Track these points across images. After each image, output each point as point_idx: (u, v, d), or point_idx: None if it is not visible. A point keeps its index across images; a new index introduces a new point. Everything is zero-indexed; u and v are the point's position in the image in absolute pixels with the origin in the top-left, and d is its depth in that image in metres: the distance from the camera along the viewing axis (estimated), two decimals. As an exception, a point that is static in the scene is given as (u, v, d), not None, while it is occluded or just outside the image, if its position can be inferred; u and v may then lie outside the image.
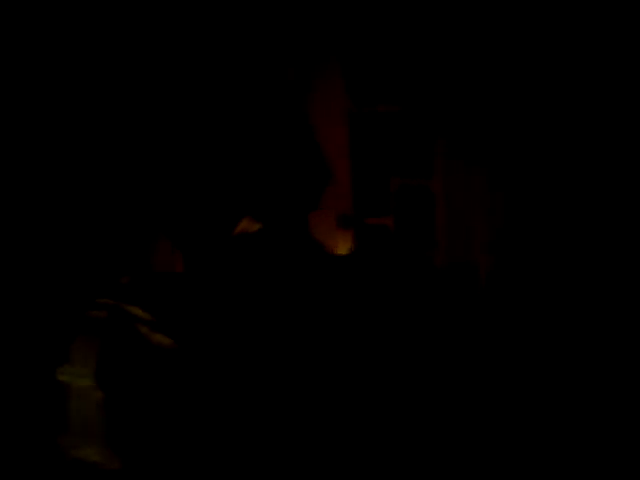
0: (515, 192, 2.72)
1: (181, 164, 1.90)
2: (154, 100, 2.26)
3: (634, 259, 2.56)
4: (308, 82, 2.88)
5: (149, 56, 2.66)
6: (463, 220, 2.87)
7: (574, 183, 2.66)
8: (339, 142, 2.92)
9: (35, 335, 2.23)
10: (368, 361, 1.75)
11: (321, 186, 1.98)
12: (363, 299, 1.79)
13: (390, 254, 2.78)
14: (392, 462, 1.72)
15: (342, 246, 2.89)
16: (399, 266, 2.09)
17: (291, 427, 1.64)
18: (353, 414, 1.69)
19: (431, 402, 1.79)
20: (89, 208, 2.51)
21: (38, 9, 2.62)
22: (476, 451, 1.82)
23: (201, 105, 2.00)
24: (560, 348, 2.50)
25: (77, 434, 1.60)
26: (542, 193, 2.70)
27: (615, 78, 2.65)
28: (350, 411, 1.69)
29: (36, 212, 2.49)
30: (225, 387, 1.58)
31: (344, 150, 2.92)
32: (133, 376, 1.55)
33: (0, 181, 2.48)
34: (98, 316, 1.61)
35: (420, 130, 2.85)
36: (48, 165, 2.56)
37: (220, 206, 1.87)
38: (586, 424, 2.31)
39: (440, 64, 2.77)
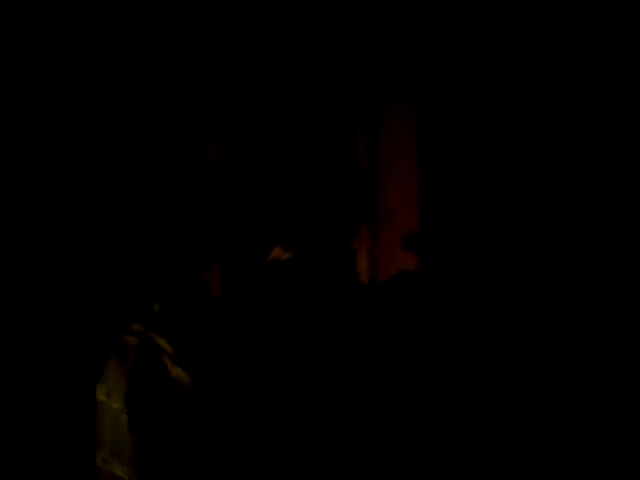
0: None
1: (222, 186, 1.86)
2: (201, 130, 2.30)
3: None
4: (378, 108, 2.88)
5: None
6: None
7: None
8: (408, 157, 2.90)
9: (84, 349, 2.28)
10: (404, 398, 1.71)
11: (359, 215, 1.90)
12: (397, 337, 1.73)
13: (454, 283, 2.75)
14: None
15: (409, 269, 2.85)
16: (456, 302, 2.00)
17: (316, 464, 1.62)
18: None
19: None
20: (148, 229, 2.57)
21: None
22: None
23: (245, 130, 1.96)
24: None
25: (109, 450, 1.67)
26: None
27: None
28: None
29: (93, 230, 2.55)
30: (246, 421, 1.59)
31: (413, 165, 2.90)
32: (155, 406, 1.59)
33: (44, 198, 2.53)
34: (129, 341, 1.66)
35: (491, 149, 2.81)
36: (104, 183, 2.62)
37: (254, 230, 1.84)
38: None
39: (510, 93, 2.75)
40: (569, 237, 2.75)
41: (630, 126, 2.68)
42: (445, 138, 2.90)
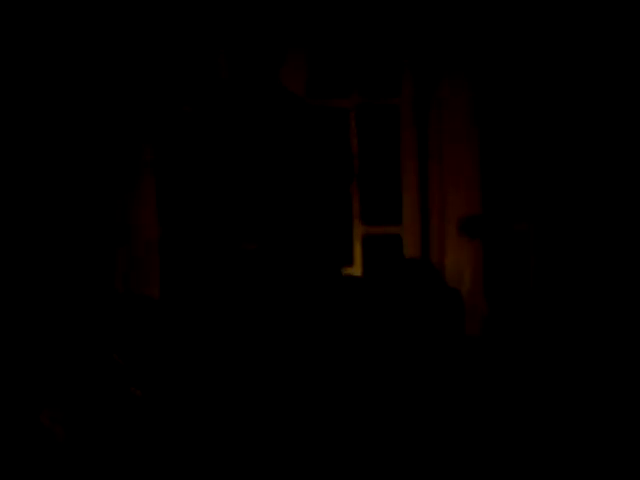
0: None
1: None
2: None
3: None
4: (434, 86, 2.51)
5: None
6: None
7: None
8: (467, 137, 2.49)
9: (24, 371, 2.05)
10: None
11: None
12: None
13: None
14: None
15: (467, 261, 2.46)
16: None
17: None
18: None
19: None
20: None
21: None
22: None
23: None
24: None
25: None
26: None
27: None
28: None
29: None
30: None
31: (471, 144, 2.49)
32: (104, 425, 1.42)
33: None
34: (80, 360, 1.50)
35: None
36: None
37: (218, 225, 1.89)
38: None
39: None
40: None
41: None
42: (506, 115, 2.49)
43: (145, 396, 1.41)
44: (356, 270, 2.58)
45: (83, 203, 2.47)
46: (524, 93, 2.49)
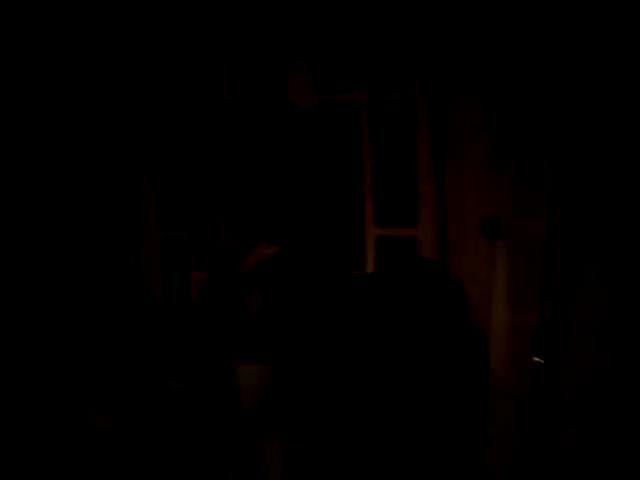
0: None
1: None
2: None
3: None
4: (443, 92, 2.44)
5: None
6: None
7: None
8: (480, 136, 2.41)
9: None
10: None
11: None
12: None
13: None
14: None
15: (485, 262, 2.37)
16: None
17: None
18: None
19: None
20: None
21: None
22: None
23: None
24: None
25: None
26: None
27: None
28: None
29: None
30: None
31: (486, 144, 2.40)
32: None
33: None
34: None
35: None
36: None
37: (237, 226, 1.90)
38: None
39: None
40: None
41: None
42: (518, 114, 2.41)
43: (179, 388, 1.42)
44: (368, 274, 2.48)
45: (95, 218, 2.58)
46: (534, 92, 2.42)
